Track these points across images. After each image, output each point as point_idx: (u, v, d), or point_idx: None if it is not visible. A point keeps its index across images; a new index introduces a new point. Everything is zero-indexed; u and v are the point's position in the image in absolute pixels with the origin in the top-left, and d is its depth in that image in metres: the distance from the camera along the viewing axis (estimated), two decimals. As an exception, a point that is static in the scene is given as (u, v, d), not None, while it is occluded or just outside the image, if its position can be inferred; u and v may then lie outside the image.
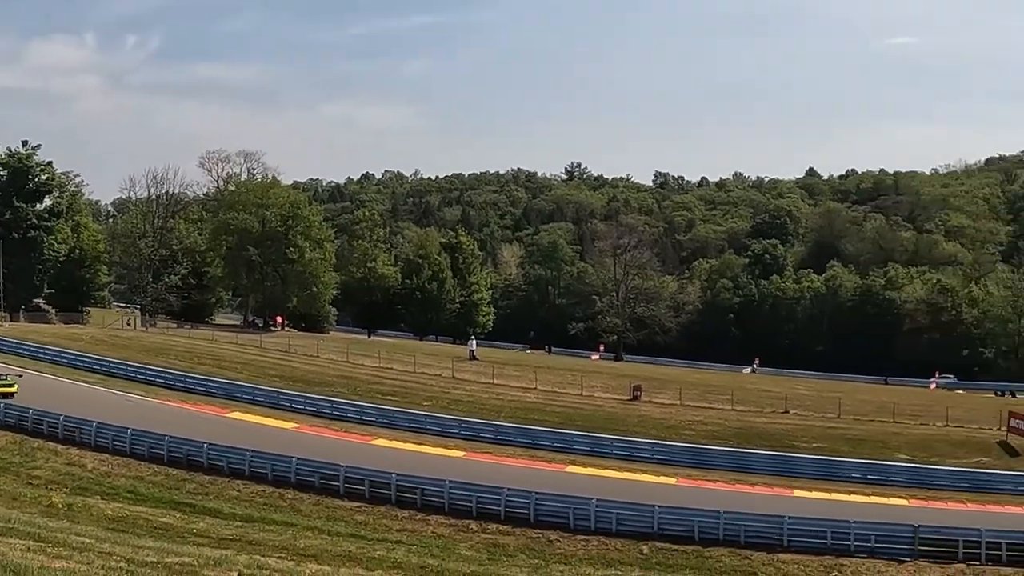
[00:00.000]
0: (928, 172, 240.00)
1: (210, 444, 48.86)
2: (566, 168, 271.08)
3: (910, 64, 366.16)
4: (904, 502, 50.58)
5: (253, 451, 48.10)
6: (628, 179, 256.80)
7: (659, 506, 42.06)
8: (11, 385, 59.30)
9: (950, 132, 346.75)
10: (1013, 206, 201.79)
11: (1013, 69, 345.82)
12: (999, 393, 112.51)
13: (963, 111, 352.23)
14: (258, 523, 40.65)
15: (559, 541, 40.88)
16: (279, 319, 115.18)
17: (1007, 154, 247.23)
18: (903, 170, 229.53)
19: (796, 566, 39.53)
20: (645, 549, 40.43)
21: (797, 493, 50.82)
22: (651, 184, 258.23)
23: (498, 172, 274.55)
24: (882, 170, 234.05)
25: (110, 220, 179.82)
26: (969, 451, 62.77)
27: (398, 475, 45.02)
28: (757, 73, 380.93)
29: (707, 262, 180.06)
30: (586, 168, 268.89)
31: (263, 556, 32.86)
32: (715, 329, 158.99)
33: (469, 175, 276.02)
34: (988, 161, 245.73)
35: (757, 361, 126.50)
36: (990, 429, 68.11)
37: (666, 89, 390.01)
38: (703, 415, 69.41)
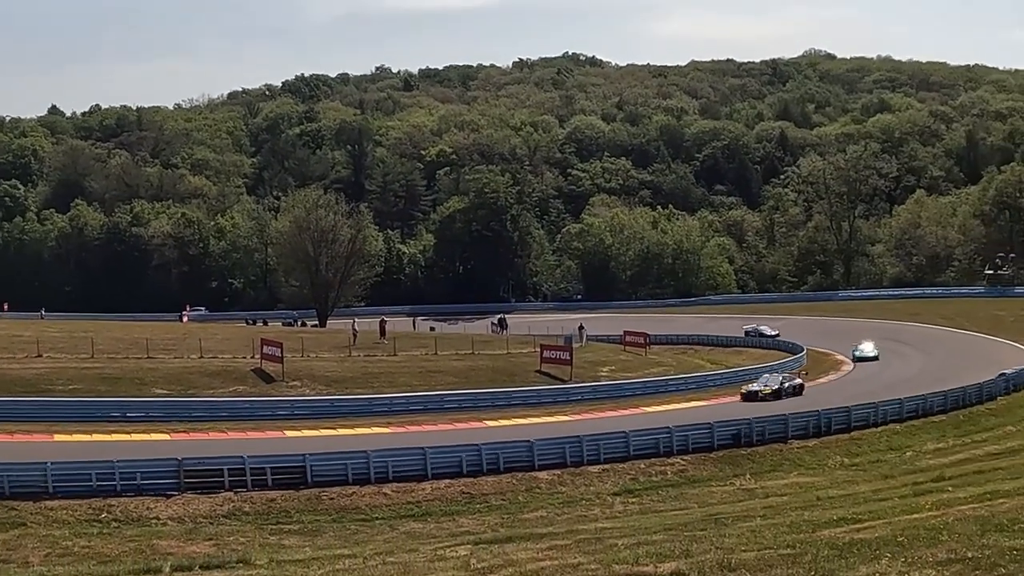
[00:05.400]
0: (172, 107, 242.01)
1: None
2: None
3: None
4: (167, 436, 51.48)
5: None
6: None
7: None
8: None
9: (197, 67, 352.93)
10: (256, 139, 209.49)
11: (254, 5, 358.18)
12: (250, 322, 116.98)
13: (206, 46, 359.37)
14: None
15: None
16: None
17: (250, 88, 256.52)
18: (147, 106, 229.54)
19: (65, 512, 38.99)
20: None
21: (58, 438, 49.94)
22: None
23: None
24: (124, 106, 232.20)
25: None
26: (226, 380, 65.00)
27: None
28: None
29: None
30: None
31: None
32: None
33: None
34: (231, 95, 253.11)
35: (43, 310, 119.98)
36: (244, 358, 70.39)
37: None
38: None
